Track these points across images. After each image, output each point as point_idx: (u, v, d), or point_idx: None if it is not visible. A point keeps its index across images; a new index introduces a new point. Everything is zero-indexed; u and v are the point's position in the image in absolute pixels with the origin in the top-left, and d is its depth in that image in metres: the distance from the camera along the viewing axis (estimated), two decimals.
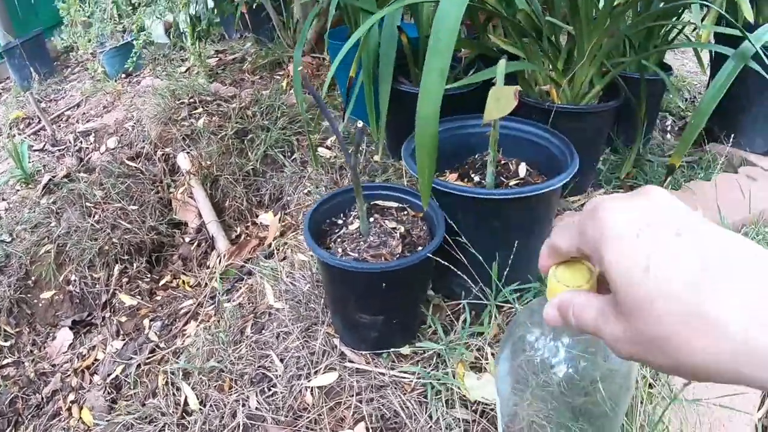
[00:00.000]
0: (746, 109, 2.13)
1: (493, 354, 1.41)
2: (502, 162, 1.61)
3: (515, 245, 1.41)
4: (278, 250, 1.98)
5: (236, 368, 1.53)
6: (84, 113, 4.10)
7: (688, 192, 1.89)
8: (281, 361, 1.50)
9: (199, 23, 3.76)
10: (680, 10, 2.01)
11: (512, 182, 1.55)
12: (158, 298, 2.38)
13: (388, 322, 1.38)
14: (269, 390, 1.46)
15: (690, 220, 0.41)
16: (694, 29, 2.38)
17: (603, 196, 0.45)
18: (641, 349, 0.41)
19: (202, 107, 2.91)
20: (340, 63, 1.81)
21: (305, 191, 2.24)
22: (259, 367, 1.51)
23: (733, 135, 2.11)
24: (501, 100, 1.21)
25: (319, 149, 2.42)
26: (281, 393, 1.43)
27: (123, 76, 4.41)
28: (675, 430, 1.18)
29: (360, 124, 1.20)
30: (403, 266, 1.23)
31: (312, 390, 1.41)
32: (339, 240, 1.39)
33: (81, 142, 3.58)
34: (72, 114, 4.17)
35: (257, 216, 2.48)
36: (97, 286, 2.46)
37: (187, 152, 2.76)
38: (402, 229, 1.39)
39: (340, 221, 1.47)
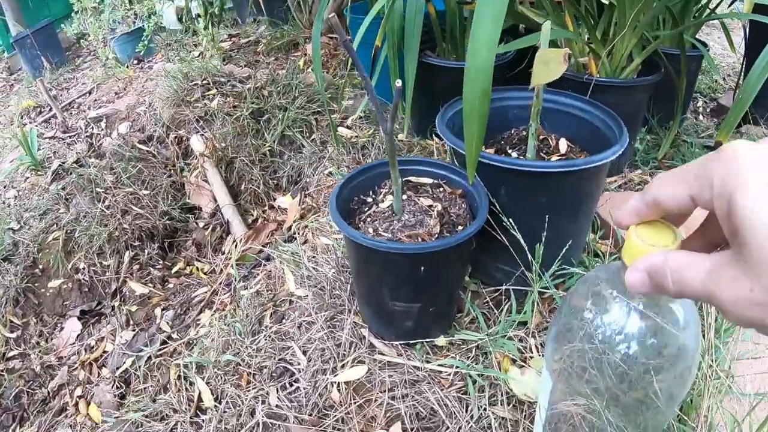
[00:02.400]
0: None
1: (537, 346, 1.28)
2: (542, 137, 1.48)
3: (561, 225, 1.27)
4: (299, 233, 1.85)
5: (254, 361, 1.40)
6: (95, 100, 4.04)
7: None
8: (304, 353, 1.37)
9: (212, 6, 3.65)
10: None
11: (553, 158, 1.42)
12: (170, 285, 2.26)
13: (425, 310, 1.24)
14: (291, 385, 1.33)
15: None
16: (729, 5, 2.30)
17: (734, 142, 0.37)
18: None
19: (216, 88, 2.78)
20: (360, 41, 1.70)
21: (326, 172, 2.11)
22: (279, 360, 1.38)
23: None
24: (549, 64, 1.08)
25: (339, 129, 2.28)
26: (304, 389, 1.30)
27: (135, 61, 4.35)
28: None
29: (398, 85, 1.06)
30: (444, 247, 1.09)
31: (339, 385, 1.27)
32: (369, 219, 1.24)
33: (92, 128, 3.50)
34: (83, 101, 4.10)
35: (275, 199, 2.35)
36: (107, 273, 2.34)
37: (201, 134, 2.63)
38: (439, 207, 1.25)
39: (369, 199, 1.32)
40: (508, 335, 1.28)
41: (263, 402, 1.31)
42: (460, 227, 1.23)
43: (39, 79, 4.28)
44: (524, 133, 1.51)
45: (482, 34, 0.96)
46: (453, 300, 1.32)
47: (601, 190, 1.42)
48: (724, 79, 2.74)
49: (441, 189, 1.34)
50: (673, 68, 1.74)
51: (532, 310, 1.32)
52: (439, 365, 1.26)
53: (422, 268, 1.13)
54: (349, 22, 2.42)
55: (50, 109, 3.92)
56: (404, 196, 1.29)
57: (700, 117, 2.35)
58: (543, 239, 1.27)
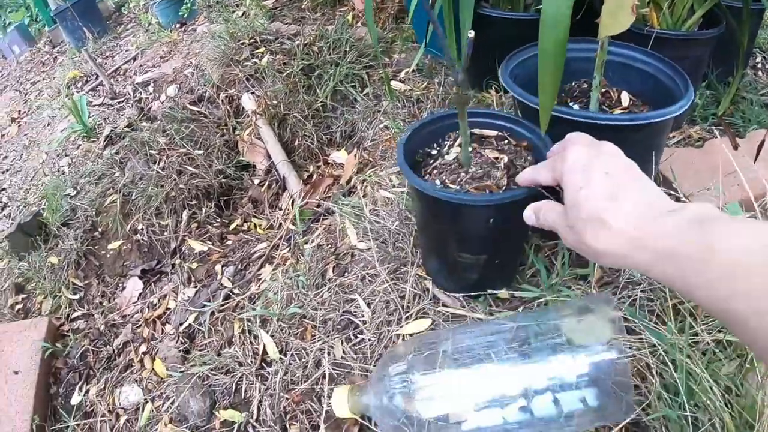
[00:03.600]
0: None
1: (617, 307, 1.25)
2: (603, 89, 1.43)
3: None
4: (358, 187, 1.83)
5: (318, 314, 1.39)
6: (141, 65, 4.07)
7: None
8: (368, 305, 1.35)
9: None
10: None
11: (615, 111, 1.37)
12: (229, 242, 2.26)
13: (491, 262, 1.21)
14: (356, 337, 1.33)
15: (618, 165, 0.66)
16: None
17: (572, 141, 0.74)
18: (574, 235, 0.65)
19: (264, 46, 2.75)
20: None
21: (381, 126, 2.07)
22: (343, 312, 1.37)
23: None
24: (618, 15, 1.03)
25: (393, 83, 2.25)
26: (369, 340, 1.29)
27: (177, 25, 4.35)
28: None
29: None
30: (515, 199, 1.05)
31: (403, 338, 1.26)
32: (435, 171, 1.21)
33: (140, 93, 3.53)
34: (129, 67, 4.15)
35: (329, 155, 2.33)
36: (165, 233, 2.36)
37: (252, 92, 2.62)
38: (506, 159, 1.21)
39: (434, 151, 1.28)
40: (570, 288, 1.25)
41: (328, 353, 1.30)
42: None
43: (83, 48, 4.33)
44: (585, 85, 1.47)
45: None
46: (518, 252, 1.30)
47: (664, 145, 1.38)
48: None
49: (506, 141, 1.30)
50: (734, 21, 1.67)
51: (594, 264, 1.29)
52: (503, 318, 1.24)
53: (491, 219, 1.10)
54: None
55: (97, 78, 3.97)
56: (469, 148, 1.26)
57: (759, 73, 2.26)
58: None
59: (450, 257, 1.24)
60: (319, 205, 1.92)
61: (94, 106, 3.58)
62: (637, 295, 1.25)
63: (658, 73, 1.38)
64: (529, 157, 1.24)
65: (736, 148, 1.68)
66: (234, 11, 3.80)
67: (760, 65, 2.32)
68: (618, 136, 1.21)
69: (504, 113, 1.32)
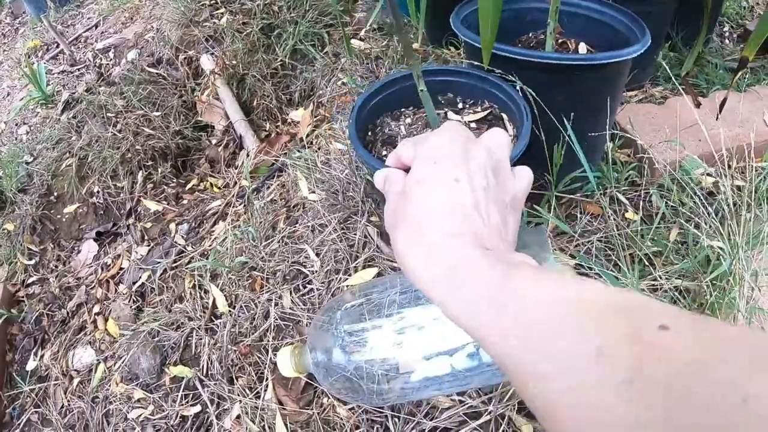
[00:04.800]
0: None
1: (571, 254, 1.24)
2: (561, 40, 1.41)
3: (579, 126, 1.21)
4: (313, 142, 1.80)
5: (268, 265, 1.37)
6: (102, 32, 3.99)
7: (753, 95, 1.74)
8: (317, 255, 1.33)
9: None
10: None
11: None
12: (185, 202, 2.22)
13: None
14: (304, 287, 1.30)
15: (445, 155, 0.52)
16: None
17: (445, 128, 0.57)
18: (390, 223, 0.52)
19: (224, 6, 2.70)
20: None
21: (339, 83, 2.04)
22: (293, 263, 1.35)
23: None
24: None
25: (352, 41, 2.21)
26: (318, 290, 1.27)
27: None
28: None
29: None
30: None
31: (351, 287, 1.24)
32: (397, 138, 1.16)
33: (101, 59, 3.46)
34: (90, 34, 4.06)
35: (288, 114, 2.29)
36: (122, 195, 2.30)
37: (211, 53, 2.56)
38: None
39: (392, 122, 1.23)
40: None
41: (277, 305, 1.28)
42: None
43: (43, 15, 4.24)
44: (542, 36, 1.44)
45: None
46: None
47: (621, 92, 1.36)
48: (752, 8, 2.62)
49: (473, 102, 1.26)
50: None
51: (549, 211, 1.28)
52: None
53: None
54: None
55: (57, 46, 3.89)
56: (438, 113, 1.21)
57: (726, 41, 2.28)
58: (559, 139, 1.21)
59: None
60: (274, 163, 1.89)
61: (54, 74, 3.50)
62: (593, 243, 1.24)
63: (615, 23, 1.36)
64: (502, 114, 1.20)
65: (698, 105, 1.67)
66: None
67: (727, 33, 2.33)
68: (573, 78, 1.18)
69: (460, 67, 1.28)
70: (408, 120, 1.21)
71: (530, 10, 1.47)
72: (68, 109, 2.90)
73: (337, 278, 1.25)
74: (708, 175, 1.46)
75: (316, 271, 1.29)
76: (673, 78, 1.84)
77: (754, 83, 1.83)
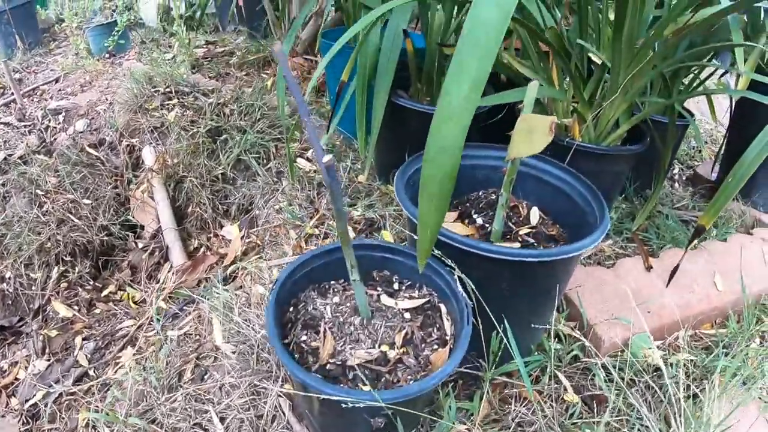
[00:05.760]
0: (765, 166, 1.96)
1: None
2: (512, 204, 1.36)
3: (523, 311, 1.16)
4: (238, 273, 1.71)
5: (168, 422, 1.26)
6: (60, 90, 3.88)
7: (703, 252, 1.73)
8: (222, 420, 1.23)
9: (189, 9, 3.51)
10: (711, 54, 1.80)
11: (522, 230, 1.30)
12: (97, 311, 2.08)
13: None
14: None
15: None
16: (719, 76, 2.29)
17: None
18: None
19: (178, 98, 2.63)
20: (333, 66, 1.56)
21: (277, 207, 1.96)
22: (194, 424, 1.24)
23: (748, 193, 1.98)
24: (533, 133, 0.96)
25: (299, 160, 2.15)
26: None
27: (107, 55, 4.18)
28: None
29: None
30: (411, 397, 0.92)
31: None
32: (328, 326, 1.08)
33: (49, 120, 3.33)
34: (48, 89, 3.95)
35: (221, 227, 2.20)
36: (33, 288, 2.16)
37: (154, 146, 2.48)
38: (409, 330, 1.09)
39: (321, 292, 1.17)
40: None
41: None
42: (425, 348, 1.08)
43: (4, 61, 4.13)
44: (493, 196, 1.41)
45: (459, 99, 0.74)
46: None
47: (571, 274, 1.31)
48: (699, 150, 2.66)
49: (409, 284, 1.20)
50: (658, 138, 1.67)
51: (480, 399, 1.21)
52: None
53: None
54: (320, 46, 2.30)
55: (12, 93, 3.78)
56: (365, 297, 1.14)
57: (676, 185, 2.28)
58: (502, 322, 1.15)
59: None
60: (196, 286, 1.79)
61: (1, 122, 3.37)
62: None
63: (573, 192, 1.33)
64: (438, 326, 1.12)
65: (649, 269, 1.64)
66: (166, 52, 3.68)
67: (677, 176, 2.34)
68: (518, 271, 1.12)
69: (401, 246, 1.22)
70: (336, 299, 1.14)
71: (482, 167, 1.44)
72: (1, 173, 2.76)
73: None
74: (657, 348, 1.42)
75: None
76: (624, 234, 1.85)
77: (702, 239, 1.81)
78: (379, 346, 1.04)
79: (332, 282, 1.19)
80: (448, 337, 1.08)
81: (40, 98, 3.82)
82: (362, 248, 1.19)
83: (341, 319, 1.09)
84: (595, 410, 1.25)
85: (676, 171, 2.37)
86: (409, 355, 1.04)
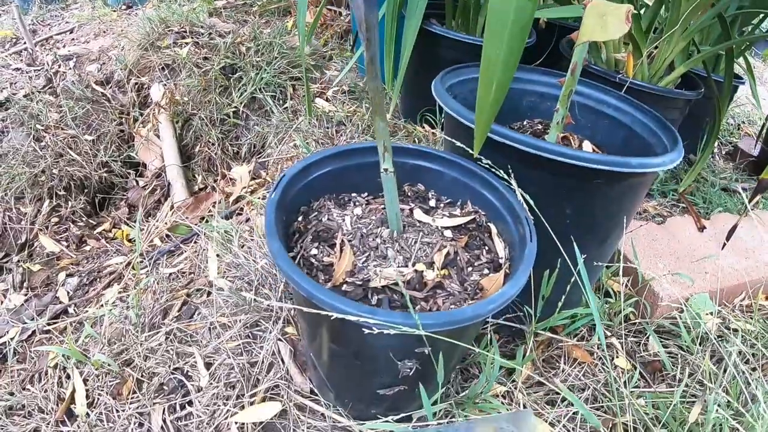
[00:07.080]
0: None
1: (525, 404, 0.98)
2: (562, 135, 1.16)
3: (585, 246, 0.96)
4: (245, 209, 1.52)
5: (145, 365, 1.07)
6: (73, 39, 3.77)
7: (755, 221, 1.58)
8: (207, 366, 1.04)
9: None
10: None
11: None
12: (87, 248, 1.89)
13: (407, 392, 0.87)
14: (182, 408, 1.01)
15: None
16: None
17: None
18: None
19: (192, 37, 2.44)
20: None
21: (292, 144, 1.77)
22: (175, 369, 1.05)
23: None
24: (607, 18, 0.76)
25: (317, 100, 1.96)
26: (198, 416, 0.98)
27: (123, 6, 4.07)
28: None
29: None
30: (455, 326, 0.69)
31: (244, 428, 0.95)
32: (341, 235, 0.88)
33: (59, 65, 3.20)
34: (61, 39, 3.84)
35: (230, 169, 2.00)
36: (23, 222, 1.97)
37: (164, 84, 2.29)
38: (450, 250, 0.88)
39: (339, 203, 0.96)
40: (490, 394, 0.96)
41: (141, 425, 0.98)
42: (483, 270, 0.87)
43: (14, 5, 4.04)
44: (539, 126, 1.21)
45: None
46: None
47: (638, 205, 1.10)
48: (739, 126, 2.49)
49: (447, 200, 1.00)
50: (715, 88, 1.49)
51: (523, 357, 1.01)
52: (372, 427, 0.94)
53: (425, 350, 0.76)
54: None
55: (25, 42, 3.69)
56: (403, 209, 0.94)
57: (716, 157, 2.18)
58: (557, 263, 0.95)
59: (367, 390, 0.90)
60: (200, 222, 1.61)
61: (11, 69, 3.23)
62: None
63: (634, 123, 1.13)
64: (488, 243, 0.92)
65: (702, 229, 1.48)
66: (184, 5, 3.51)
67: (716, 149, 2.24)
68: (589, 185, 0.92)
69: (441, 152, 1.01)
70: (357, 210, 0.93)
71: (528, 93, 1.24)
72: (2, 109, 2.61)
73: (224, 409, 0.96)
74: (711, 314, 1.23)
75: (202, 389, 1.00)
76: (669, 194, 1.72)
77: (754, 207, 1.69)
78: (413, 265, 0.83)
79: (353, 194, 0.98)
80: (501, 260, 0.87)
81: (53, 46, 3.72)
82: (393, 152, 0.98)
83: (364, 231, 0.88)
84: (653, 378, 1.06)
85: (715, 144, 2.21)
86: (452, 279, 0.82)
